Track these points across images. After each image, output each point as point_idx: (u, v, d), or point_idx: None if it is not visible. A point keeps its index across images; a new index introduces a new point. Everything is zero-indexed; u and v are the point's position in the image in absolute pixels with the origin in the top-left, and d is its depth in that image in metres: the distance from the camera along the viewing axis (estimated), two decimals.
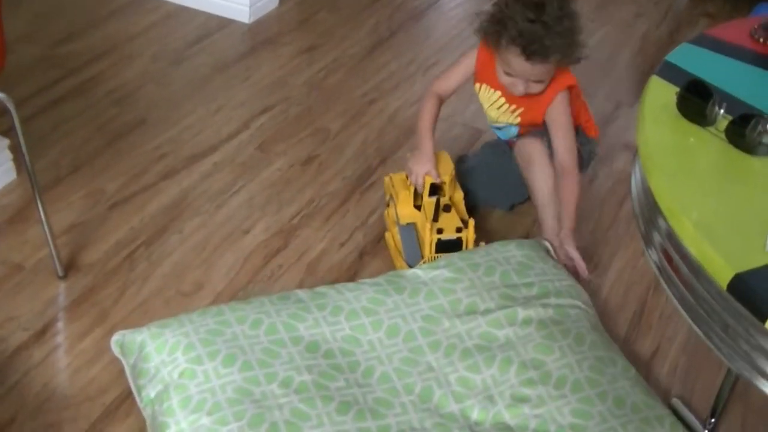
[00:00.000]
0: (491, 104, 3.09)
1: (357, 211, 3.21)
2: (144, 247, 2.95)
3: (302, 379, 2.30)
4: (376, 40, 4.34)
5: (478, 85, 3.09)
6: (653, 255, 1.80)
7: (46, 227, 2.74)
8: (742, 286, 1.51)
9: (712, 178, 1.82)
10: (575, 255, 2.79)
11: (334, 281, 2.88)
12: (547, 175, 2.95)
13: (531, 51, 2.77)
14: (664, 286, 1.77)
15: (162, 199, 3.15)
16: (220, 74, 3.92)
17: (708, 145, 1.85)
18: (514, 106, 3.04)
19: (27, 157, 2.70)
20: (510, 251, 2.70)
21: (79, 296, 2.75)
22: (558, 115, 2.95)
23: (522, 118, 3.05)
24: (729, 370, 2.44)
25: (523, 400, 2.34)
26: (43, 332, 2.63)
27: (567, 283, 2.65)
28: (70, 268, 2.83)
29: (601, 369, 2.41)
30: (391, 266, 2.96)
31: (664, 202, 1.70)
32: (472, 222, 2.83)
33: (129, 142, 3.41)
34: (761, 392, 1.54)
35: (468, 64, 3.06)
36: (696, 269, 1.63)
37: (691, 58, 2.06)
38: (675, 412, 2.54)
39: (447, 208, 2.87)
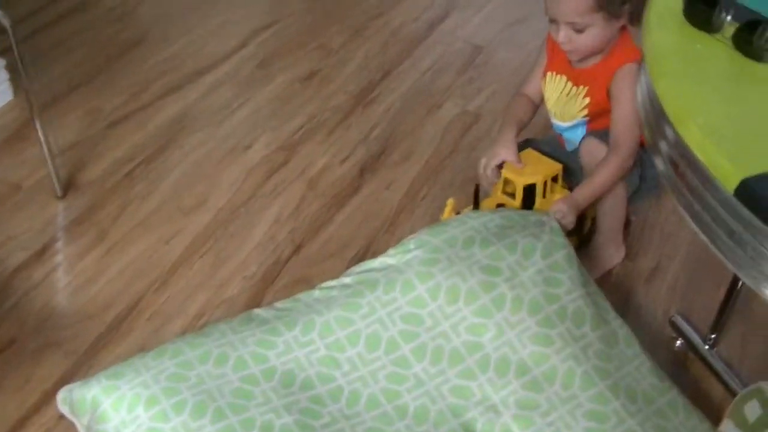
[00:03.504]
0: (559, 95, 2.69)
1: (360, 125, 3.18)
2: (144, 164, 2.92)
3: (283, 422, 2.03)
4: None
5: (549, 74, 2.70)
6: (659, 164, 1.78)
7: (44, 147, 2.72)
8: (750, 192, 1.49)
9: (720, 84, 1.79)
10: (566, 211, 2.44)
11: (335, 197, 2.87)
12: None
13: None
14: (671, 194, 1.74)
15: (162, 117, 3.12)
16: None
17: (715, 51, 1.82)
18: (579, 88, 2.64)
19: (24, 77, 2.67)
20: (486, 216, 2.38)
21: (78, 215, 2.74)
22: (623, 87, 2.52)
23: (590, 102, 2.63)
24: (729, 287, 2.44)
25: (530, 407, 2.12)
26: (42, 252, 2.62)
27: (551, 231, 2.35)
28: (69, 187, 2.82)
29: (607, 353, 2.22)
30: (387, 184, 2.96)
31: (670, 107, 1.68)
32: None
33: (129, 60, 3.38)
34: (762, 306, 1.52)
35: (542, 60, 2.73)
36: (703, 175, 1.60)
37: None
38: (675, 328, 2.55)
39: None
